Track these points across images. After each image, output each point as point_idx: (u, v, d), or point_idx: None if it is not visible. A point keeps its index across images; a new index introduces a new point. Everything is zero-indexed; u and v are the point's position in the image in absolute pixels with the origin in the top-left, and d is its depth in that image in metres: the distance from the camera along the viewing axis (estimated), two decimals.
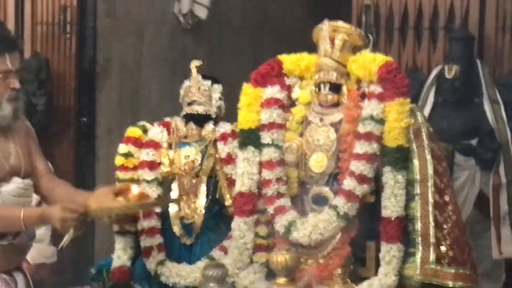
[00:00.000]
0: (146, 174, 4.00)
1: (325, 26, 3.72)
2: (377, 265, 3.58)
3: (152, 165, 3.99)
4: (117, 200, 3.61)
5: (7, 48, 3.62)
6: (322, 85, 3.70)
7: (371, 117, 3.57)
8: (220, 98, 3.99)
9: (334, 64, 3.69)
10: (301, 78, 3.84)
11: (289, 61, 3.83)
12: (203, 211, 3.95)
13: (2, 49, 3.59)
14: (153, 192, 4.00)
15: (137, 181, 4.01)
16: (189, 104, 3.97)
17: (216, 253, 3.90)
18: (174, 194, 4.05)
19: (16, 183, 3.68)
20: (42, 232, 5.11)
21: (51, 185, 3.86)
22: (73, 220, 3.50)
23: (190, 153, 3.95)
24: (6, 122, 3.65)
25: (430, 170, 3.56)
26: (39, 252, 4.99)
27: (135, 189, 3.61)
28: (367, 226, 3.66)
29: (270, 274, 3.66)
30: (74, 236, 3.61)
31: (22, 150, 3.77)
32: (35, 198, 3.94)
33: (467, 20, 4.65)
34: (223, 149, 3.93)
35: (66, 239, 3.59)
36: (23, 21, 5.50)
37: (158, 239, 3.96)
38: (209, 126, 3.97)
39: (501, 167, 4.33)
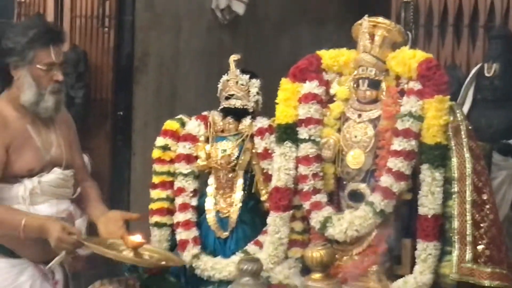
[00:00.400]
0: (183, 167, 4.00)
1: (365, 22, 3.72)
2: (413, 263, 3.56)
3: (189, 159, 3.99)
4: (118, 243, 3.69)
5: (52, 40, 3.70)
6: (360, 81, 3.70)
7: (410, 114, 3.56)
8: (257, 93, 3.98)
9: (373, 60, 3.69)
10: (340, 73, 3.83)
11: (328, 56, 3.82)
12: (239, 205, 3.94)
13: (47, 42, 3.67)
14: (189, 185, 4.02)
15: (173, 174, 4.04)
16: (227, 98, 3.97)
17: (251, 247, 3.88)
18: (210, 188, 4.04)
19: (56, 174, 3.76)
20: (78, 225, 5.17)
21: (79, 183, 3.95)
22: (69, 243, 3.59)
23: (226, 147, 3.94)
24: (49, 113, 3.73)
25: (469, 169, 3.53)
26: None
27: (137, 238, 3.67)
28: (404, 223, 3.65)
29: (305, 269, 3.63)
30: (64, 259, 3.71)
31: (63, 141, 3.86)
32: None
33: (507, 18, 4.62)
34: (260, 144, 3.92)
35: (56, 260, 3.64)
36: (62, 14, 5.55)
37: (193, 232, 3.96)
38: (247, 120, 3.96)
39: None
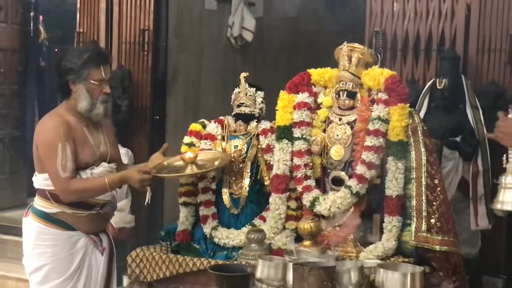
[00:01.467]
0: None
1: (344, 47, 3.77)
2: (381, 232, 3.63)
3: None
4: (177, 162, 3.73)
5: (102, 61, 3.70)
6: (341, 93, 3.75)
7: (379, 118, 3.62)
8: (262, 102, 3.98)
9: (350, 76, 3.73)
10: (325, 87, 3.88)
11: (316, 73, 3.88)
12: (247, 189, 3.94)
13: (98, 62, 3.67)
14: (208, 172, 3.97)
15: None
16: (238, 106, 3.98)
17: (257, 221, 3.91)
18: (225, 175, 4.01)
19: (103, 167, 3.74)
20: (123, 203, 5.16)
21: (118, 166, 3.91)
22: (148, 180, 3.60)
23: (238, 144, 3.96)
24: (99, 118, 3.73)
25: (424, 160, 3.59)
26: (121, 218, 5.06)
27: (190, 154, 3.72)
28: (374, 202, 3.71)
29: (298, 238, 3.68)
30: (152, 192, 3.71)
31: (108, 140, 3.84)
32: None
33: (454, 43, 4.62)
34: (264, 141, 3.93)
35: (148, 197, 3.68)
36: (111, 40, 5.53)
37: (212, 210, 3.97)
38: (253, 123, 3.97)
39: (479, 158, 4.33)
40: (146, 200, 3.72)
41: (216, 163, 3.76)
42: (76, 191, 3.61)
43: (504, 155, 2.99)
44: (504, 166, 2.99)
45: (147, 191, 3.69)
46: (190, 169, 3.69)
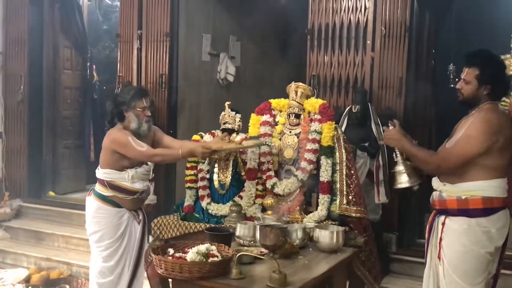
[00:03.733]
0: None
1: (293, 85, 3.77)
2: (317, 205, 3.63)
3: None
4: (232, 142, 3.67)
5: (143, 95, 3.63)
6: (290, 115, 3.75)
7: (315, 131, 3.64)
8: (239, 120, 3.94)
9: (296, 104, 3.74)
10: (280, 110, 3.85)
11: (274, 102, 3.87)
12: (230, 177, 3.92)
13: (141, 96, 3.61)
14: (205, 167, 3.96)
15: (197, 162, 3.96)
16: (224, 123, 3.93)
17: (236, 198, 3.87)
18: (215, 169, 3.93)
19: (144, 168, 3.67)
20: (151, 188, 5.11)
21: (174, 143, 3.77)
22: (208, 153, 3.50)
23: None
24: (145, 133, 3.63)
25: (344, 158, 3.62)
26: (148, 198, 4.99)
27: (237, 138, 3.72)
28: (312, 185, 3.71)
29: (263, 209, 3.70)
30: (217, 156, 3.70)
31: (152, 145, 3.69)
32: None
33: (363, 82, 4.60)
34: None
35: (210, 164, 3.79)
36: (140, 81, 5.44)
37: (207, 191, 3.94)
38: (234, 134, 3.91)
39: (380, 157, 4.32)
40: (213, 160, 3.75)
41: (250, 143, 3.68)
42: (157, 154, 3.56)
43: (393, 153, 3.04)
44: (395, 160, 3.03)
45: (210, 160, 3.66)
46: (235, 145, 3.65)
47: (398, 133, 2.94)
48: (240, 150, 3.77)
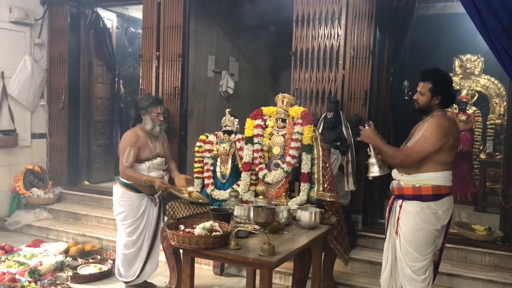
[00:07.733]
0: (207, 154, 3.96)
1: (280, 95, 3.75)
2: (299, 191, 3.61)
3: (210, 151, 3.96)
4: (183, 189, 3.53)
5: (158, 103, 3.64)
6: (278, 119, 3.72)
7: (298, 132, 3.61)
8: (237, 124, 3.94)
9: (283, 111, 3.71)
10: (270, 116, 3.82)
11: (265, 109, 3.84)
12: (230, 169, 3.90)
13: (156, 104, 3.62)
14: (209, 161, 3.92)
15: (203, 157, 3.93)
16: (225, 126, 3.93)
17: (235, 186, 3.85)
18: (218, 162, 3.91)
19: (158, 160, 3.68)
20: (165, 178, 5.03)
21: (168, 162, 3.82)
22: (163, 188, 3.52)
23: (225, 146, 3.91)
24: (157, 133, 3.65)
25: (321, 154, 3.60)
26: None
27: (190, 188, 3.61)
28: (295, 176, 3.69)
29: (256, 194, 3.62)
30: (160, 194, 3.62)
31: (161, 145, 3.76)
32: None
33: (336, 94, 4.55)
34: (238, 144, 3.89)
35: (157, 194, 3.64)
36: (158, 92, 5.36)
37: (211, 180, 3.93)
38: (233, 135, 3.92)
39: (349, 153, 4.27)
40: (155, 196, 3.64)
41: (200, 200, 3.58)
42: (128, 175, 3.55)
43: (367, 148, 3.03)
44: (369, 154, 3.02)
45: (157, 193, 3.61)
46: (185, 195, 3.56)
47: (372, 132, 2.94)
48: (189, 199, 3.56)
